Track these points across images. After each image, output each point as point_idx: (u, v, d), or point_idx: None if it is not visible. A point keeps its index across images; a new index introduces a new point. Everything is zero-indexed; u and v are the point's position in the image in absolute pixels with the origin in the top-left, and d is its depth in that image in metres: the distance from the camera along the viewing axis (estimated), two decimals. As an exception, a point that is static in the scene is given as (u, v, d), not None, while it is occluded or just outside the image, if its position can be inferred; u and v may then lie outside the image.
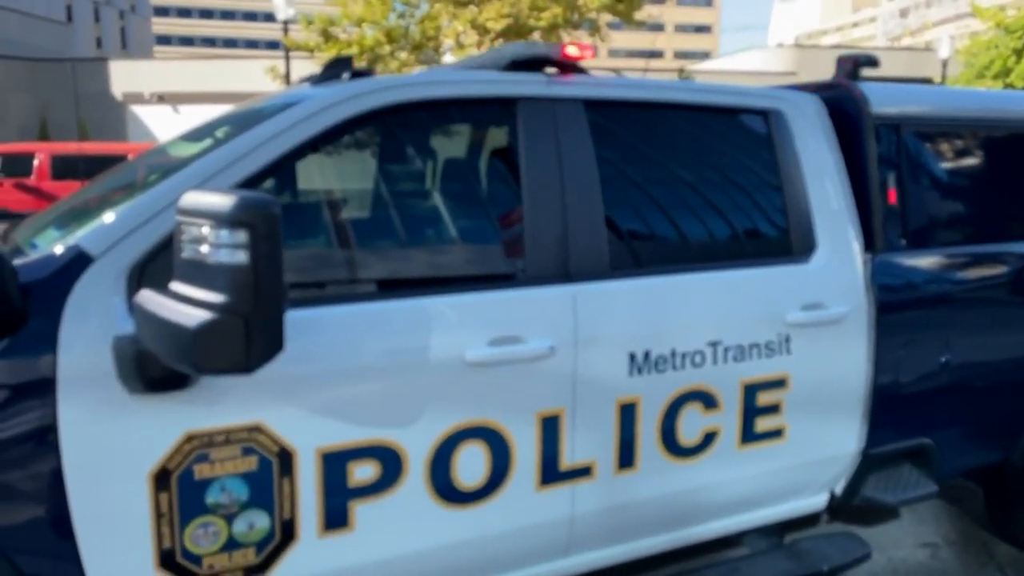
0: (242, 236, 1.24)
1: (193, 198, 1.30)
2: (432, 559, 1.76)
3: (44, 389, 1.40)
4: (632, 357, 1.89)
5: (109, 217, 1.57)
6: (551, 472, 1.84)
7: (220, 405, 1.52)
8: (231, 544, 1.54)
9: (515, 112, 1.90)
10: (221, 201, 1.25)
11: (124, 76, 25.50)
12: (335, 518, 1.63)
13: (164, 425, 1.48)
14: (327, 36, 15.22)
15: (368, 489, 1.65)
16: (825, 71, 2.59)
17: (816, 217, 2.18)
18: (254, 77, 20.16)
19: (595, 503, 1.90)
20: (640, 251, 2.04)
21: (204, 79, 24.64)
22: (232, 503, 1.53)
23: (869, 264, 2.22)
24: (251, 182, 1.63)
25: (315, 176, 1.91)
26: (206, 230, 1.26)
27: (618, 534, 1.99)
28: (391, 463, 1.66)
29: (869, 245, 2.24)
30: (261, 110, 1.90)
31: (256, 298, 1.25)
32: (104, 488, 1.44)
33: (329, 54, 14.91)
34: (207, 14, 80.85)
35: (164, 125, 23.77)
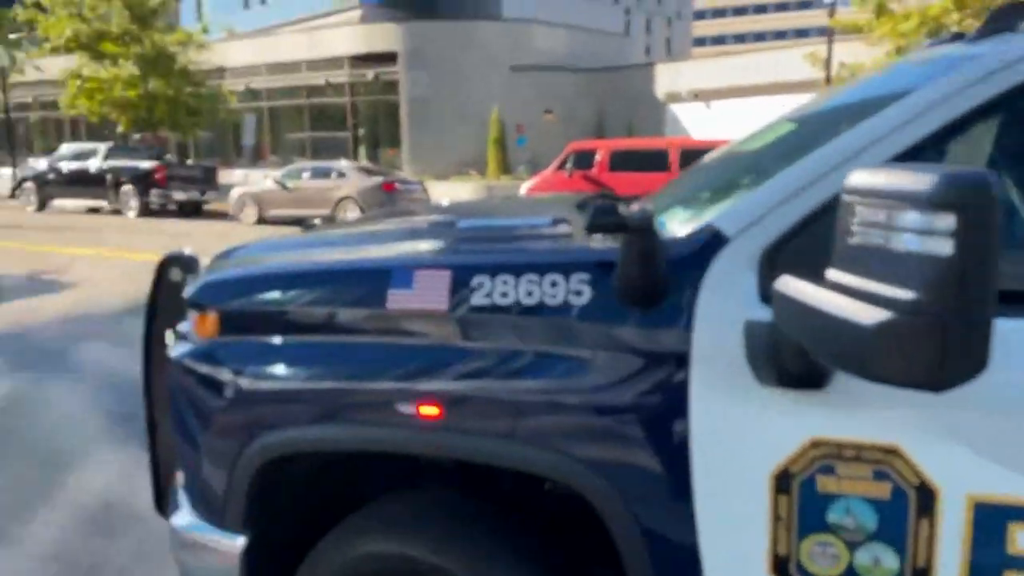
0: (949, 221, 0.99)
1: (870, 176, 1.11)
2: None
3: (679, 360, 1.43)
4: None
5: (741, 199, 1.53)
6: None
7: (853, 416, 1.32)
8: (850, 574, 1.35)
9: None
10: (918, 179, 1.03)
11: (666, 77, 28.19)
12: None
13: (791, 424, 1.36)
14: (880, 11, 13.73)
15: None
16: None
17: None
18: (788, 67, 19.82)
19: None
20: None
21: (736, 74, 25.40)
22: (857, 529, 1.33)
23: None
24: (903, 156, 1.38)
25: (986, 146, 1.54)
26: (887, 213, 1.06)
27: None
28: None
29: None
30: (894, 81, 1.63)
31: (961, 299, 0.99)
32: (725, 470, 1.41)
33: (881, 31, 13.49)
34: (741, 11, 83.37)
35: (696, 121, 25.47)
